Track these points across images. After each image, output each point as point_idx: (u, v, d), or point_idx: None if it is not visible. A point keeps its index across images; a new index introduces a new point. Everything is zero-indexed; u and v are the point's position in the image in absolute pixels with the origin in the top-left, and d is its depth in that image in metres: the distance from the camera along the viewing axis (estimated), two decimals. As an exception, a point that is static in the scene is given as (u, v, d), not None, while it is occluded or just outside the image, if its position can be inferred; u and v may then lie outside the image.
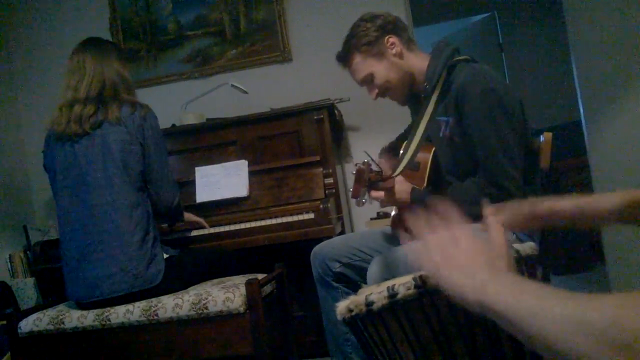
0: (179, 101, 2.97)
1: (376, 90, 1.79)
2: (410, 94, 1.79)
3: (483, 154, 1.52)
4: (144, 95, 3.22)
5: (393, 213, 1.84)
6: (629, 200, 0.88)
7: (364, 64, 1.77)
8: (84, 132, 1.82)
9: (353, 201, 1.51)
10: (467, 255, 0.73)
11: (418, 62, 1.74)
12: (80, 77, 1.88)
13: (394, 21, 1.77)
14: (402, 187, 1.62)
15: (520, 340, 0.59)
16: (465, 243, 0.75)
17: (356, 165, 1.51)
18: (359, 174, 1.47)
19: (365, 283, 1.66)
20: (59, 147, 1.86)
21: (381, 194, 1.65)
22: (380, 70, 1.75)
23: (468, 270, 0.70)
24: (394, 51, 1.74)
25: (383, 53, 1.74)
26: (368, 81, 1.80)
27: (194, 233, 2.41)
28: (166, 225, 2.39)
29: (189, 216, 2.29)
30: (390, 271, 1.43)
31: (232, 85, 2.84)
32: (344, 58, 1.82)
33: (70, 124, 1.83)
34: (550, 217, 0.95)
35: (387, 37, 1.74)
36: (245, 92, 2.87)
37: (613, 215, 0.89)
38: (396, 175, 1.53)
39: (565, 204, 0.94)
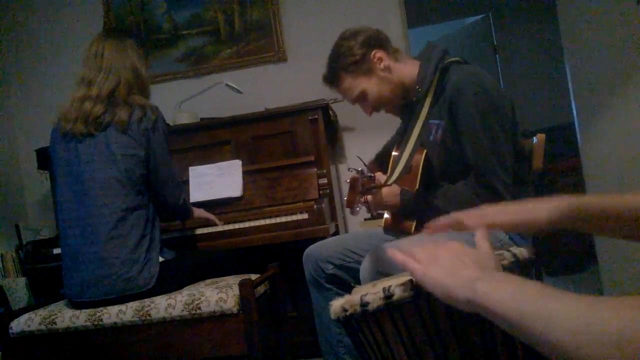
0: (173, 100, 2.96)
1: (370, 107, 1.79)
2: (405, 103, 1.78)
3: (474, 155, 1.52)
4: (137, 95, 3.22)
5: (386, 215, 1.84)
6: (566, 209, 0.87)
7: (355, 83, 1.74)
8: (89, 132, 1.81)
9: (348, 210, 1.50)
10: (453, 255, 0.73)
11: (407, 70, 1.73)
12: (96, 72, 1.86)
13: (376, 35, 1.75)
14: (390, 190, 1.61)
15: (519, 338, 0.58)
16: (451, 244, 0.76)
17: (350, 170, 1.50)
18: (353, 183, 1.46)
19: (358, 284, 1.65)
20: (63, 144, 1.86)
21: (372, 199, 1.65)
22: (372, 86, 1.73)
23: (455, 267, 0.70)
24: (382, 66, 1.72)
25: (371, 69, 1.72)
26: (361, 99, 1.78)
27: (188, 233, 2.40)
28: (179, 222, 2.39)
29: (199, 212, 2.28)
30: (382, 266, 1.43)
31: (227, 85, 2.84)
32: (332, 80, 1.79)
33: (77, 122, 1.81)
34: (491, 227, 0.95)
35: (373, 52, 1.71)
36: (240, 92, 2.87)
37: (552, 224, 0.88)
38: (391, 183, 1.52)
39: (503, 217, 0.94)
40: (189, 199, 2.40)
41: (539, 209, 0.90)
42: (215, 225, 2.36)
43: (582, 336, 0.49)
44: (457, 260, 0.72)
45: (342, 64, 1.74)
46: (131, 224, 1.79)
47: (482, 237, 0.83)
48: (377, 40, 1.74)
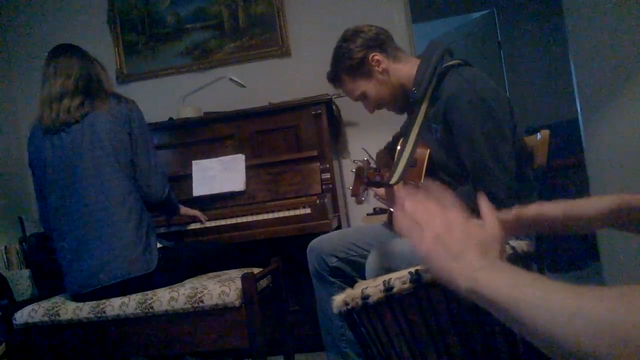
0: (176, 94, 2.97)
1: (372, 106, 1.82)
2: (406, 102, 1.79)
3: (473, 163, 1.52)
4: (141, 88, 3.22)
5: (391, 209, 1.85)
6: (618, 204, 0.85)
7: (354, 85, 1.78)
8: (74, 120, 1.84)
9: (352, 199, 1.51)
10: (458, 240, 0.72)
11: (407, 70, 1.73)
12: (68, 75, 1.89)
13: (375, 36, 1.75)
14: (398, 190, 1.65)
15: (516, 331, 0.59)
16: (458, 228, 0.75)
17: (354, 162, 1.52)
18: (359, 172, 1.47)
19: (361, 278, 1.66)
20: (47, 141, 1.86)
21: (381, 192, 1.68)
22: (371, 88, 1.76)
23: (459, 254, 0.70)
24: (380, 69, 1.73)
25: (370, 72, 1.74)
26: (362, 99, 1.82)
27: (190, 227, 2.41)
28: (163, 218, 2.39)
29: (185, 210, 2.30)
30: (388, 262, 1.44)
31: (230, 79, 2.84)
32: (334, 81, 1.84)
33: (59, 115, 1.85)
34: (537, 223, 0.94)
35: (371, 55, 1.73)
36: (243, 86, 2.87)
37: (600, 220, 0.87)
38: (394, 184, 1.53)
39: (551, 209, 0.91)
40: (179, 196, 2.41)
41: (588, 206, 0.88)
42: (202, 223, 2.37)
43: (573, 324, 0.50)
44: (461, 244, 0.71)
45: (342, 66, 1.77)
46: (129, 208, 1.82)
47: (490, 219, 0.82)
48: (377, 42, 1.74)
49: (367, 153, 1.67)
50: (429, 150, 1.63)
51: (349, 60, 1.74)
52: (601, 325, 0.47)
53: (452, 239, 0.72)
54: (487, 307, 0.62)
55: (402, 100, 1.78)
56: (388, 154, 1.92)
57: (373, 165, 1.56)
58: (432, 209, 0.79)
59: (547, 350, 0.53)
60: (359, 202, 1.52)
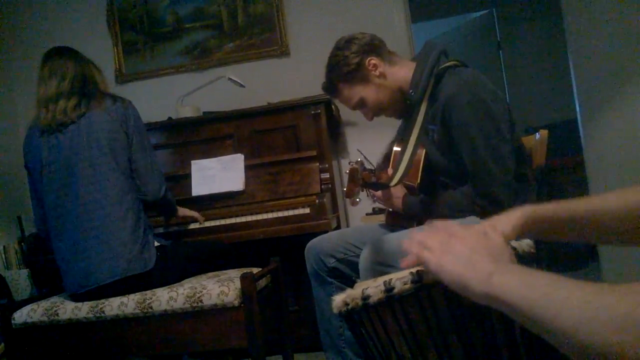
0: (175, 94, 2.96)
1: (371, 113, 1.80)
2: (404, 106, 1.79)
3: (473, 164, 1.53)
4: (140, 88, 3.22)
5: (389, 210, 1.85)
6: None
7: (352, 92, 1.76)
8: (71, 120, 1.84)
9: (348, 200, 1.51)
10: (469, 247, 0.72)
11: (403, 73, 1.73)
12: (62, 76, 1.89)
13: (369, 41, 1.75)
14: (395, 191, 1.66)
15: (532, 330, 0.59)
16: (467, 237, 0.75)
17: (350, 164, 1.52)
18: (353, 173, 1.48)
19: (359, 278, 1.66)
20: (43, 141, 1.86)
21: (379, 194, 1.68)
22: (369, 93, 1.75)
23: (471, 260, 0.70)
24: (377, 73, 1.73)
25: (367, 76, 1.73)
26: (360, 106, 1.80)
27: (189, 226, 2.41)
28: (162, 218, 2.39)
29: (183, 211, 2.30)
30: (381, 257, 1.44)
31: (229, 79, 2.83)
32: (331, 90, 1.82)
33: (56, 116, 1.85)
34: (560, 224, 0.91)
35: (367, 59, 1.72)
36: (243, 86, 2.87)
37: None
38: (394, 185, 1.53)
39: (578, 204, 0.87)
40: (178, 196, 2.41)
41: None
42: (199, 223, 2.37)
43: (590, 321, 0.50)
44: (471, 251, 0.71)
45: (338, 73, 1.75)
46: (127, 207, 1.82)
47: (491, 228, 0.82)
48: (372, 47, 1.74)
49: (362, 154, 1.67)
50: (425, 151, 1.63)
51: (346, 67, 1.73)
52: (627, 319, 0.47)
53: (461, 247, 0.73)
54: (504, 310, 0.62)
55: (401, 104, 1.77)
56: (385, 161, 1.92)
57: (369, 166, 1.56)
58: (439, 229, 0.80)
59: (569, 349, 0.53)
60: (354, 203, 1.53)
